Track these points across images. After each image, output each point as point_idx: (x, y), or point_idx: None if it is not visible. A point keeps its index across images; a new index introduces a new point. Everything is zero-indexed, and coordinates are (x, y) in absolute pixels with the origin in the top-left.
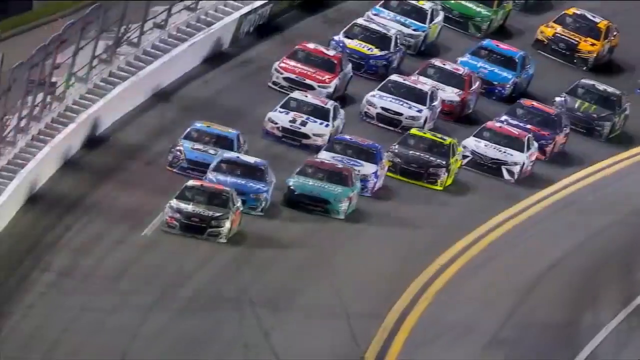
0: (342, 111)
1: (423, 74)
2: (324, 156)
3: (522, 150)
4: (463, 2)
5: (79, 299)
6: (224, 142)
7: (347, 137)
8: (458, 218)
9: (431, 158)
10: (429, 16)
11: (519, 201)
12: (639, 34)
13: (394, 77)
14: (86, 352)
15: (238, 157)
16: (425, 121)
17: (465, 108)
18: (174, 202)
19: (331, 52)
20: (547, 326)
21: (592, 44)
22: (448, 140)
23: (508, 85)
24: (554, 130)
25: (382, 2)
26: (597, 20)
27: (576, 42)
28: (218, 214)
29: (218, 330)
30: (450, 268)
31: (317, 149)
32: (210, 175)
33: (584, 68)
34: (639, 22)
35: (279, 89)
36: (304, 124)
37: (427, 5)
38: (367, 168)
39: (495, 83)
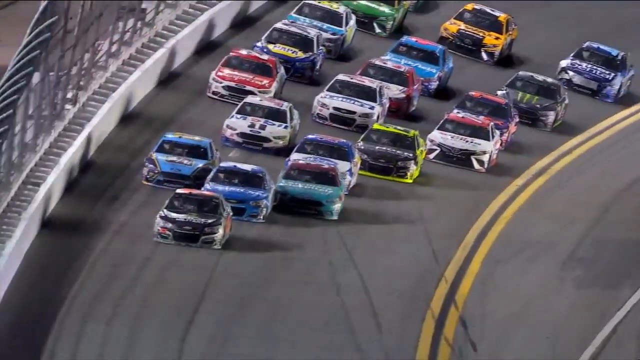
0: (296, 112)
1: (364, 74)
2: (296, 157)
3: (488, 139)
4: (366, 3)
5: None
6: (197, 151)
7: (317, 136)
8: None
9: (398, 152)
10: (344, 19)
11: (596, 123)
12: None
13: (341, 76)
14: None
15: (235, 165)
16: (377, 117)
17: (410, 104)
18: (164, 212)
19: (265, 57)
20: (623, 244)
21: (497, 38)
22: (411, 132)
23: (434, 80)
24: (506, 120)
25: (295, 9)
26: (497, 14)
27: (481, 37)
28: (210, 221)
29: (302, 249)
30: (529, 188)
31: (277, 151)
32: (208, 185)
33: (491, 62)
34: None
35: (219, 98)
36: (263, 127)
37: (341, 9)
38: (341, 166)
39: (422, 79)
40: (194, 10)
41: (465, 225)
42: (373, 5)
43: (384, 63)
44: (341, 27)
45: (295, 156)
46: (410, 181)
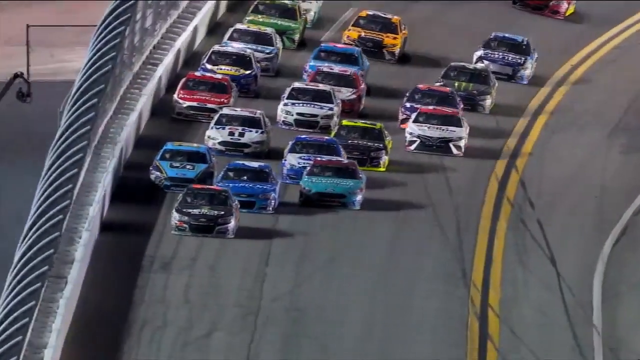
0: (266, 118)
1: (314, 81)
2: (290, 158)
3: (460, 125)
4: (272, 20)
5: None
6: (196, 157)
7: (306, 136)
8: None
9: (369, 143)
10: (273, 38)
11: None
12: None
13: (296, 84)
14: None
15: (243, 163)
16: (337, 117)
17: (360, 103)
18: (179, 207)
19: (219, 76)
20: None
21: (394, 38)
22: (378, 124)
23: None
24: (455, 107)
25: (227, 36)
26: (389, 16)
27: (381, 39)
28: (223, 212)
29: None
30: (582, 67)
31: (259, 155)
32: (219, 184)
33: (393, 60)
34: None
35: (184, 118)
36: (242, 135)
37: (268, 30)
38: None
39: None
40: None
41: (526, 99)
42: (279, 21)
43: (331, 69)
44: (272, 45)
45: (289, 157)
46: (384, 169)
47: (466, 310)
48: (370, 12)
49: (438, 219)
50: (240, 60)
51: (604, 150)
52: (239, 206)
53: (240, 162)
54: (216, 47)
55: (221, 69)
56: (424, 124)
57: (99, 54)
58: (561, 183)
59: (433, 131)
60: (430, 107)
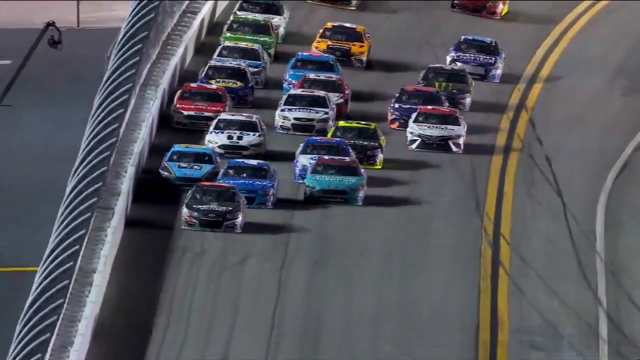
0: (262, 122)
1: (301, 88)
2: (302, 159)
3: (458, 124)
4: (247, 36)
5: None
6: (203, 158)
7: (317, 138)
8: None
9: (365, 142)
10: (260, 54)
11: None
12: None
13: (293, 91)
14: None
15: (243, 161)
16: (332, 121)
17: (347, 106)
18: (189, 203)
19: (213, 86)
20: None
21: (361, 46)
22: (372, 125)
23: None
24: (441, 106)
25: (216, 53)
26: (354, 26)
27: (348, 48)
28: (231, 208)
29: None
30: (585, 16)
31: (257, 156)
32: (220, 181)
33: (361, 68)
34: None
35: (182, 127)
36: (240, 138)
37: (255, 46)
38: None
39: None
40: None
41: (534, 46)
42: (254, 37)
43: (317, 76)
44: (259, 60)
45: (301, 158)
46: (380, 167)
47: (480, 239)
48: (335, 24)
49: (452, 161)
50: (235, 73)
51: (606, 91)
52: (246, 202)
53: (241, 160)
54: (212, 62)
55: (219, 82)
56: (423, 124)
57: (143, 3)
58: (567, 122)
59: (433, 130)
60: (430, 107)
